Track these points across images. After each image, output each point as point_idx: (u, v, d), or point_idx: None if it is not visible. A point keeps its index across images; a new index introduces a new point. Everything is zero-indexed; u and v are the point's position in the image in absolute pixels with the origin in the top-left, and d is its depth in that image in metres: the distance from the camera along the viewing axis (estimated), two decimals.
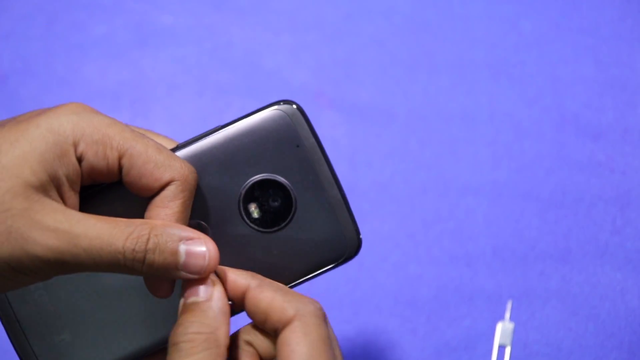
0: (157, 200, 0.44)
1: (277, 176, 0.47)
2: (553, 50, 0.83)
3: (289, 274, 0.47)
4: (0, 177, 0.39)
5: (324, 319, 0.43)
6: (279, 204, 0.47)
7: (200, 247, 0.42)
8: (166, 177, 0.43)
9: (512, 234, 0.76)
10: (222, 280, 0.44)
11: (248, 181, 0.46)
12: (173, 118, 0.81)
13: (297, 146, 0.48)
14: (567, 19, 0.84)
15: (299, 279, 0.48)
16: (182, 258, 0.42)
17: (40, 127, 0.41)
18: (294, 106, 0.48)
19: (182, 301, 0.43)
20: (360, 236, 0.48)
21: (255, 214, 0.47)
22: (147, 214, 0.44)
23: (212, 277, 0.43)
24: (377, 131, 0.80)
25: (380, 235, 0.76)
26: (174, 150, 0.48)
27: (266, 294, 0.43)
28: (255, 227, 0.47)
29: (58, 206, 0.40)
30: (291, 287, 0.48)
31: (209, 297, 0.42)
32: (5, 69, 0.82)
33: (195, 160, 0.46)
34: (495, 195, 0.78)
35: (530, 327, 0.73)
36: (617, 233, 0.76)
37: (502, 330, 0.72)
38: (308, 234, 0.47)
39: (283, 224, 0.47)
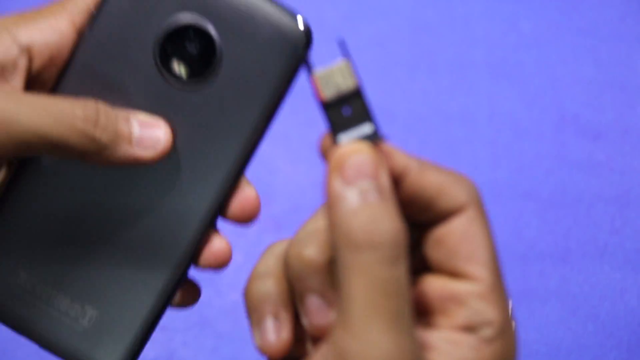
0: None
1: (199, 22, 0.36)
2: (552, 51, 0.83)
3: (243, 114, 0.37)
4: None
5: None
6: (200, 53, 0.36)
7: (153, 129, 0.37)
8: None
9: (512, 233, 0.77)
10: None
11: (160, 31, 0.36)
12: None
13: None
14: (567, 20, 0.84)
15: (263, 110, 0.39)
16: (136, 129, 0.36)
17: None
18: None
19: (338, 185, 0.31)
20: (300, 20, 0.38)
21: (176, 68, 0.36)
22: None
23: (367, 146, 0.32)
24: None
25: None
26: None
27: (433, 177, 0.33)
28: (179, 85, 0.36)
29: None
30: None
31: (383, 183, 0.31)
32: None
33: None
34: (494, 195, 0.78)
35: (529, 326, 0.74)
36: (616, 233, 0.77)
37: None
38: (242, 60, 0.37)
39: (211, 74, 0.37)
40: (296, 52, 0.38)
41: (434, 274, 0.33)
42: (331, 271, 0.32)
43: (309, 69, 0.33)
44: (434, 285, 0.33)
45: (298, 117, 0.81)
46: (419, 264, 0.34)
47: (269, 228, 0.77)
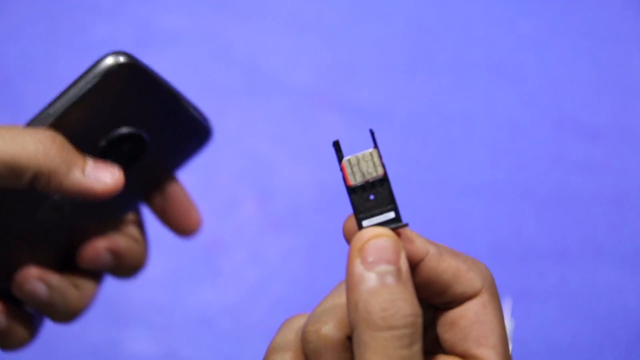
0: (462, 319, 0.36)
1: (127, 128, 0.45)
2: (551, 51, 0.83)
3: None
4: None
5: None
6: (132, 146, 0.46)
7: (105, 172, 0.42)
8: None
9: (510, 233, 0.77)
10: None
11: (102, 141, 0.45)
12: None
13: (139, 92, 0.47)
14: (566, 20, 0.84)
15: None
16: (90, 163, 0.41)
17: None
18: (122, 59, 0.46)
19: (359, 267, 0.33)
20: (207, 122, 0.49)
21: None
22: None
23: (390, 232, 0.34)
24: (377, 131, 0.80)
25: None
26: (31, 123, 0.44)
27: (450, 262, 0.35)
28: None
29: None
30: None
31: (402, 267, 0.33)
32: (9, 70, 0.83)
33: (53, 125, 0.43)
34: (493, 195, 0.78)
35: (528, 325, 0.74)
36: (614, 233, 0.77)
37: None
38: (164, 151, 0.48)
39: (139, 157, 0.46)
40: (201, 146, 0.50)
41: (446, 355, 0.35)
42: (348, 348, 0.34)
43: (339, 155, 0.36)
44: None
45: (298, 118, 0.82)
46: (433, 344, 0.35)
47: (269, 228, 0.77)
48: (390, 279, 0.32)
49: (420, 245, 0.35)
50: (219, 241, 0.76)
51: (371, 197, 0.35)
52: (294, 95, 0.82)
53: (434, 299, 0.35)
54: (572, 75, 0.82)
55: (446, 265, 0.35)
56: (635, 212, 0.77)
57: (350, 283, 0.32)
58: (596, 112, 0.81)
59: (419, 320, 0.32)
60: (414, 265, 0.35)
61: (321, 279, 0.71)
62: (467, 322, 0.35)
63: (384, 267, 0.32)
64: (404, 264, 0.33)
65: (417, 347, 0.31)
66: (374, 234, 0.33)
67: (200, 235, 0.76)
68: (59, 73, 0.83)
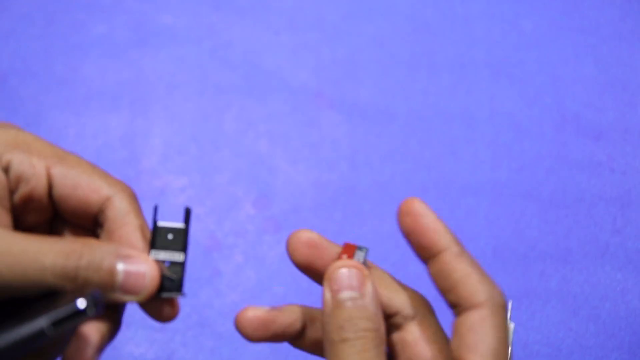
0: (109, 225, 0.40)
1: None
2: (553, 50, 0.83)
3: None
4: None
5: (507, 312, 0.41)
6: None
7: (139, 266, 0.38)
8: (105, 189, 0.40)
9: (513, 234, 0.76)
10: (422, 229, 0.41)
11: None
12: (173, 118, 0.81)
13: None
14: (568, 19, 0.84)
15: None
16: (120, 277, 0.38)
17: None
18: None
19: (328, 294, 0.39)
20: None
21: None
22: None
23: (359, 265, 0.41)
24: (377, 131, 0.80)
25: (380, 235, 0.76)
26: None
27: (464, 266, 0.40)
28: None
29: None
30: None
31: (365, 292, 0.39)
32: (5, 68, 0.82)
33: None
34: (495, 195, 0.78)
35: (530, 327, 0.73)
36: (617, 233, 0.76)
37: None
38: None
39: None
40: None
41: None
42: None
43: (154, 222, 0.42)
44: None
45: (298, 117, 0.81)
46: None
47: (268, 228, 0.76)
48: (349, 303, 0.39)
49: (443, 240, 0.40)
50: (218, 241, 0.76)
51: (169, 237, 0.42)
52: (294, 94, 0.82)
53: (445, 295, 0.40)
54: (575, 74, 0.82)
55: (459, 267, 0.40)
56: (638, 212, 0.77)
57: (322, 308, 0.39)
58: (599, 112, 0.80)
59: (371, 334, 0.38)
60: (434, 254, 0.41)
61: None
62: (464, 329, 0.39)
63: (346, 293, 0.39)
64: (368, 289, 0.39)
65: (372, 354, 0.38)
66: (343, 264, 0.40)
67: (200, 235, 0.76)
68: (56, 71, 0.82)
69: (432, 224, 0.41)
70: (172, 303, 0.41)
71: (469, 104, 0.81)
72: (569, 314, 0.74)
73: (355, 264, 0.40)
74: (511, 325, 0.73)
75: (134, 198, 0.41)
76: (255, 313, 0.41)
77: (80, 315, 0.35)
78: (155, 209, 0.41)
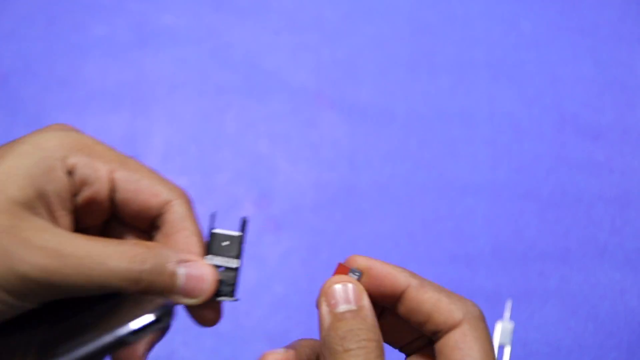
0: (166, 228, 0.41)
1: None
2: (552, 51, 0.83)
3: None
4: None
5: (486, 322, 0.42)
6: None
7: (200, 270, 0.40)
8: (164, 194, 0.41)
9: (512, 233, 0.77)
10: (377, 276, 0.42)
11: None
12: (173, 118, 0.81)
13: None
14: (567, 20, 0.84)
15: None
16: (181, 281, 0.40)
17: (25, 143, 0.39)
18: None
19: (326, 309, 0.40)
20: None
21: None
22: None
23: (353, 280, 0.42)
24: (377, 131, 0.80)
25: (380, 235, 0.76)
26: None
27: (430, 294, 0.41)
28: None
29: (46, 224, 0.38)
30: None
31: (363, 305, 0.40)
32: (6, 68, 0.82)
33: None
34: (494, 195, 0.78)
35: (529, 326, 0.74)
36: (616, 233, 0.76)
37: (502, 330, 0.72)
38: None
39: None
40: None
41: None
42: None
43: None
44: None
45: (298, 117, 0.81)
46: None
47: (268, 228, 0.77)
48: (348, 315, 0.40)
49: (401, 278, 0.42)
50: None
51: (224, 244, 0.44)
52: (294, 94, 0.82)
53: (422, 327, 0.42)
54: (574, 74, 0.82)
55: (427, 297, 0.41)
56: (637, 212, 0.77)
57: (319, 322, 0.40)
58: (598, 112, 0.81)
59: (373, 344, 0.39)
60: (397, 295, 0.42)
61: (320, 279, 0.70)
62: (448, 349, 0.40)
63: (345, 307, 0.40)
64: (365, 302, 0.40)
65: None
66: (338, 280, 0.41)
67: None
68: (57, 72, 0.82)
69: (382, 270, 0.42)
70: (217, 309, 0.42)
71: (468, 104, 0.81)
72: (568, 313, 0.74)
73: (349, 279, 0.41)
74: (511, 325, 0.73)
75: (191, 203, 0.42)
76: (274, 357, 0.42)
77: (157, 324, 0.37)
78: (213, 216, 0.43)
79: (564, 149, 0.79)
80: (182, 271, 0.40)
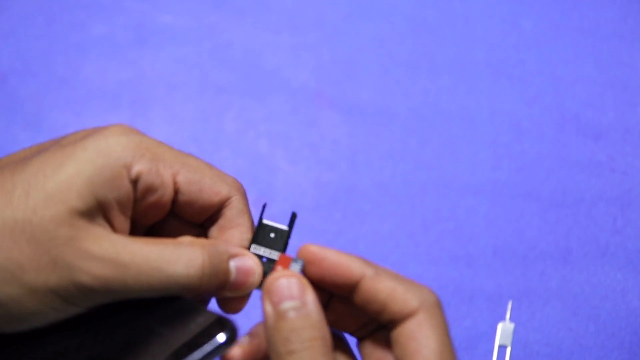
0: (224, 222, 0.43)
1: None
2: (553, 50, 0.83)
3: None
4: (45, 205, 0.37)
5: (442, 308, 0.41)
6: None
7: (248, 262, 0.41)
8: (225, 190, 0.42)
9: (513, 234, 0.76)
10: (330, 267, 0.41)
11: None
12: (173, 118, 0.81)
13: None
14: (568, 19, 0.84)
15: None
16: (233, 276, 0.41)
17: (87, 149, 0.38)
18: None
19: (269, 307, 0.39)
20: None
21: None
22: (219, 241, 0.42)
23: (297, 274, 0.41)
24: (377, 131, 0.80)
25: (380, 235, 0.76)
26: None
27: (386, 283, 0.40)
28: None
29: (104, 232, 0.38)
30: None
31: (306, 300, 0.39)
32: (5, 68, 0.82)
33: None
34: (495, 195, 0.78)
35: (530, 327, 0.73)
36: (617, 233, 0.76)
37: (503, 331, 0.72)
38: None
39: None
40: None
41: None
42: None
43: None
44: None
45: (298, 118, 0.81)
46: None
47: None
48: (292, 313, 0.39)
49: (355, 268, 0.40)
50: None
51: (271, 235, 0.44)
52: (294, 94, 0.82)
53: (378, 317, 0.41)
54: (575, 74, 0.82)
55: (382, 286, 0.40)
56: (638, 212, 0.77)
57: (263, 321, 0.39)
58: (599, 112, 0.80)
59: (318, 342, 0.38)
60: (352, 285, 0.41)
61: None
62: (404, 338, 0.39)
63: (288, 304, 0.39)
64: (308, 298, 0.39)
65: None
66: (280, 275, 0.40)
67: None
68: (56, 71, 0.82)
69: (336, 260, 0.41)
70: (246, 297, 0.43)
71: (469, 104, 0.81)
72: (569, 314, 0.74)
73: (293, 273, 0.40)
74: (511, 326, 0.72)
75: (246, 198, 0.43)
76: (236, 352, 0.41)
77: (226, 346, 0.39)
78: (264, 207, 0.44)
79: (565, 148, 0.79)
80: (232, 265, 0.41)
